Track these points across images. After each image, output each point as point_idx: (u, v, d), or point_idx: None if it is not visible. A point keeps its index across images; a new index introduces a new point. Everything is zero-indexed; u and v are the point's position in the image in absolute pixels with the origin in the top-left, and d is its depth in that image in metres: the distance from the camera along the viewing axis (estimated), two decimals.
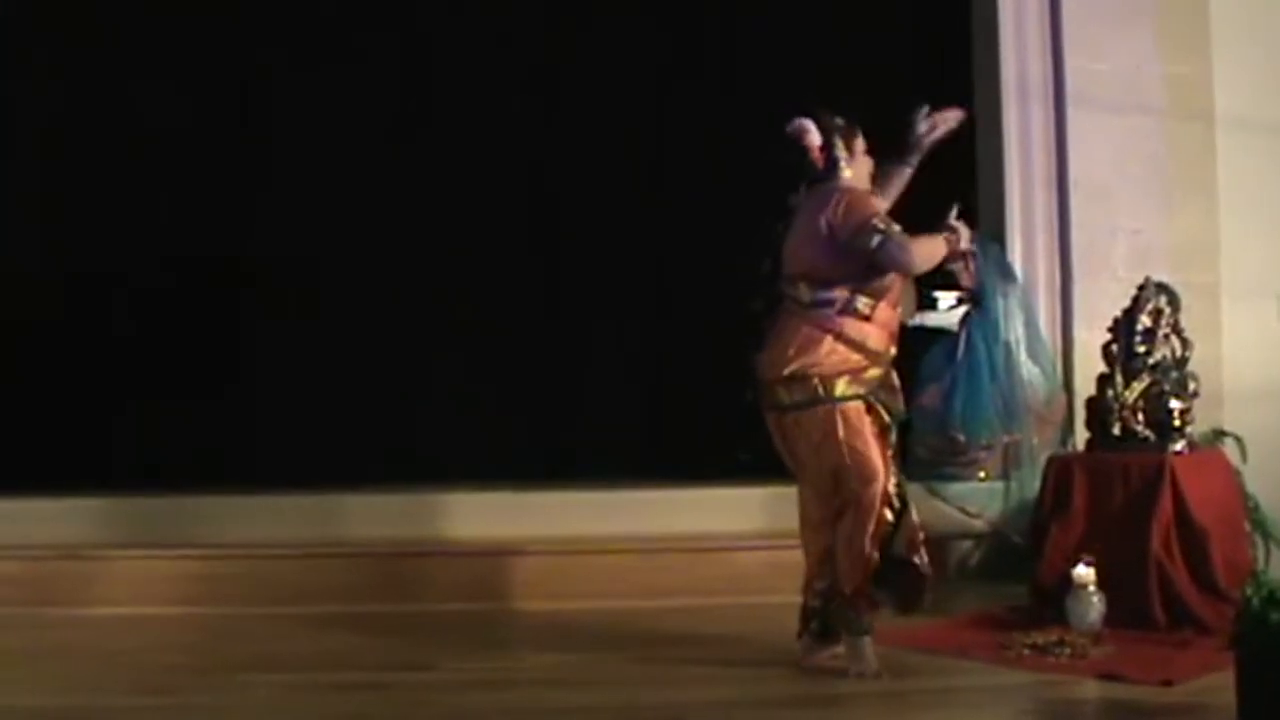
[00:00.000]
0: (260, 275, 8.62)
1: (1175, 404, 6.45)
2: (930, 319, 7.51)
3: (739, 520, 7.24)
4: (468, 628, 6.45)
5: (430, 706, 5.17)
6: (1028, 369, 7.14)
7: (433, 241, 8.66)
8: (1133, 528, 6.18)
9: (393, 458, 8.26)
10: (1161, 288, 6.66)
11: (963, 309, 7.19)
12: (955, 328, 7.18)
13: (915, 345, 6.70)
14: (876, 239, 5.27)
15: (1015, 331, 7.16)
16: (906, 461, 6.60)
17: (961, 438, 7.16)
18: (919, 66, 8.38)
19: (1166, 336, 6.60)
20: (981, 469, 7.26)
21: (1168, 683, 5.16)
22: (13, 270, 8.29)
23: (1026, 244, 7.67)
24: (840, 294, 5.37)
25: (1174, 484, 6.19)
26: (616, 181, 8.71)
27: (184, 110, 8.60)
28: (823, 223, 5.37)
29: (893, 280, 5.44)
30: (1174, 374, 6.55)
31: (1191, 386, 6.53)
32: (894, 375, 5.56)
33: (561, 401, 8.76)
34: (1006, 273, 7.40)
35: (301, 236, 8.52)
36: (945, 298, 7.60)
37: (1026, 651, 5.68)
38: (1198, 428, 6.65)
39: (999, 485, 7.22)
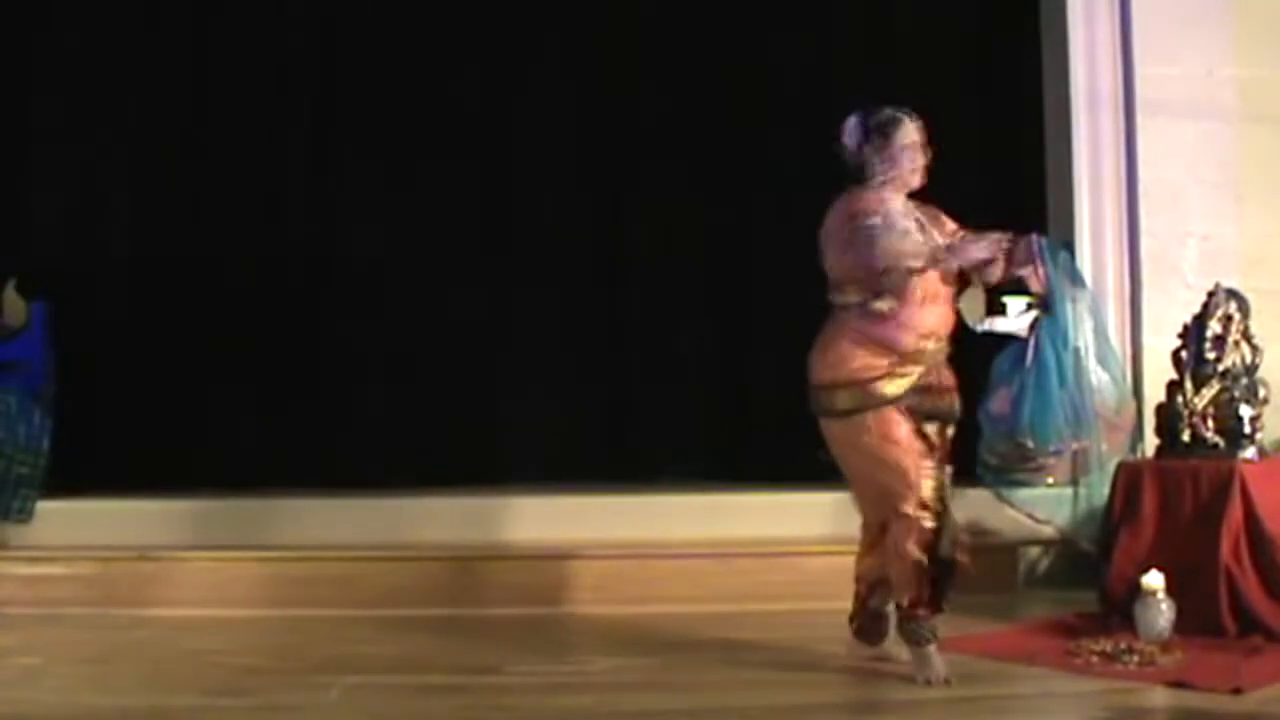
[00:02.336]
0: (336, 277, 8.65)
1: (1245, 411, 6.44)
2: (1000, 324, 7.50)
3: (807, 525, 7.22)
4: (537, 631, 6.49)
5: (500, 710, 5.19)
6: (1097, 375, 7.12)
7: (503, 244, 8.72)
8: (1202, 535, 6.17)
9: (463, 461, 8.29)
10: (1231, 294, 6.64)
11: (1032, 315, 7.20)
12: (1024, 333, 7.19)
13: (984, 351, 6.71)
14: (858, 231, 5.29)
15: (1084, 338, 7.13)
16: (975, 466, 6.64)
17: (1030, 443, 7.13)
18: (988, 72, 8.38)
19: (1237, 343, 6.57)
20: (1050, 475, 7.26)
21: (1237, 690, 5.13)
22: (90, 272, 8.39)
23: (1096, 250, 7.62)
24: (857, 297, 5.37)
25: (1244, 491, 6.17)
26: (688, 181, 8.71)
27: (263, 106, 8.72)
28: (834, 222, 5.42)
29: (911, 280, 5.37)
30: (1244, 381, 6.53)
31: (1262, 393, 6.51)
32: (944, 373, 5.53)
33: (630, 404, 8.77)
34: (1075, 279, 7.38)
35: (376, 238, 8.58)
36: (1015, 303, 7.58)
37: (1095, 659, 5.65)
38: (1268, 435, 6.61)
39: (1068, 491, 7.20)
